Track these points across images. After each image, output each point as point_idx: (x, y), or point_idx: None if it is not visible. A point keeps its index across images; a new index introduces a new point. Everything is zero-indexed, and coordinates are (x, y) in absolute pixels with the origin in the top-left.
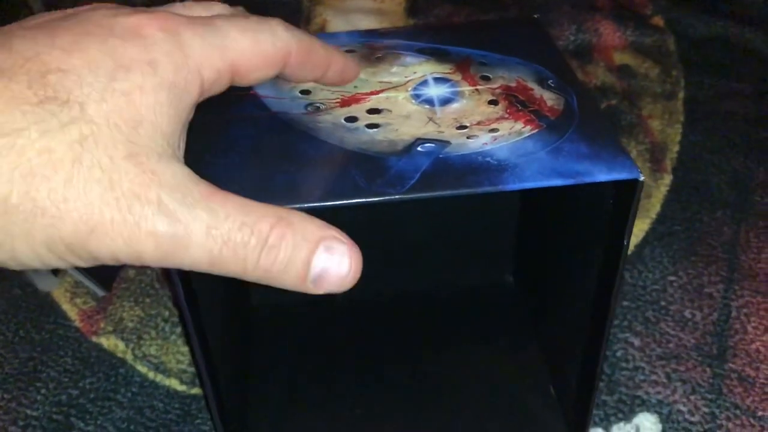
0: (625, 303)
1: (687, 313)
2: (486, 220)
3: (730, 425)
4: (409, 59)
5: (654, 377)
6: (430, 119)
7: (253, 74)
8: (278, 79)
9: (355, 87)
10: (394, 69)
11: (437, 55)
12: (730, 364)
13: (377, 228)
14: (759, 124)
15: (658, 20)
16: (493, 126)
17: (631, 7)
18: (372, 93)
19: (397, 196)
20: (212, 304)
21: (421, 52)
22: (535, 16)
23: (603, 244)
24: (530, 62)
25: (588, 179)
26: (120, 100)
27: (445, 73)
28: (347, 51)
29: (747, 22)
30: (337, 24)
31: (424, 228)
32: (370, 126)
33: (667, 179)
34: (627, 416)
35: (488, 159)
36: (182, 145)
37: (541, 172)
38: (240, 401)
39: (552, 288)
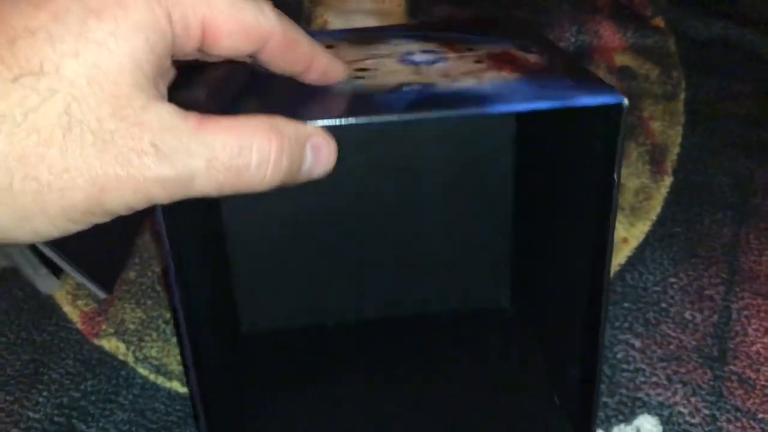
0: (626, 305)
1: (687, 315)
2: (478, 238)
3: (731, 427)
4: (398, 41)
5: (655, 379)
6: (416, 73)
7: (225, 41)
8: None
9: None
10: (383, 47)
11: (426, 38)
12: (731, 366)
13: (370, 248)
14: (760, 126)
15: (659, 21)
16: (479, 75)
17: (632, 8)
18: (360, 60)
19: (390, 116)
20: (204, 327)
21: (410, 37)
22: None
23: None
24: (515, 40)
25: (573, 103)
26: (95, 51)
27: (432, 48)
28: (340, 39)
29: (747, 24)
30: (337, 25)
31: (416, 248)
32: (358, 78)
33: (668, 181)
34: (628, 418)
35: (475, 92)
36: (164, 90)
37: (526, 98)
38: (230, 417)
39: (549, 294)
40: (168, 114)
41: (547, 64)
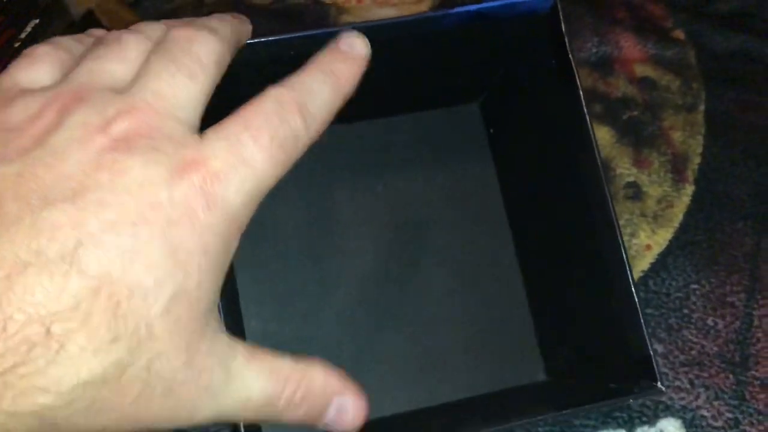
0: (649, 310)
1: (710, 321)
2: (498, 318)
3: (754, 430)
4: None
5: (677, 383)
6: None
7: None
8: None
9: None
10: None
11: None
12: (753, 372)
13: (386, 344)
14: None
15: (679, 33)
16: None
17: (652, 20)
18: None
19: None
20: None
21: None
22: None
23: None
24: None
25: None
26: (176, 301)
27: None
28: None
29: (766, 37)
30: None
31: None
32: None
33: (689, 190)
34: (651, 420)
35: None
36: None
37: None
38: None
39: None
40: (223, 351)
41: None
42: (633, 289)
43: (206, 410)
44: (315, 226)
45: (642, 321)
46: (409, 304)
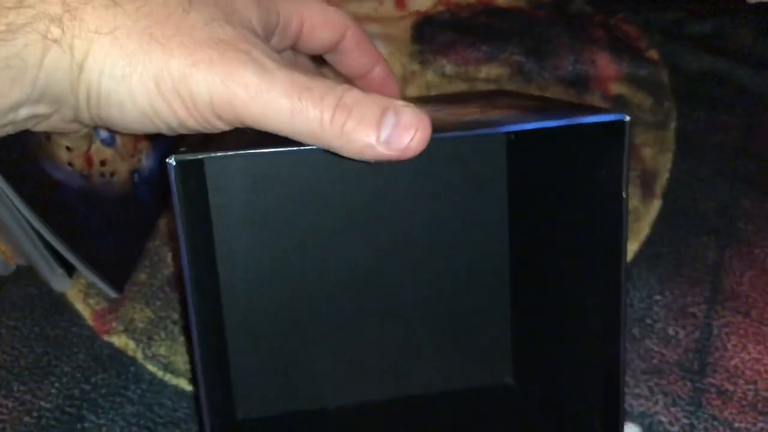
0: None
1: (671, 331)
2: (477, 312)
3: None
4: None
5: (637, 390)
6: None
7: (318, 32)
8: None
9: None
10: None
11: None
12: (710, 379)
13: (368, 328)
14: (746, 156)
15: (653, 54)
16: (485, 112)
17: (628, 40)
18: None
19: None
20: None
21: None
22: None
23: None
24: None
25: (580, 120)
26: None
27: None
28: None
29: (738, 59)
30: None
31: (416, 326)
32: None
33: (657, 204)
34: None
35: (484, 120)
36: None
37: (530, 122)
38: None
39: (556, 364)
40: (263, 51)
41: (546, 104)
42: (621, 313)
43: (246, 74)
44: (303, 215)
45: (621, 348)
46: (391, 295)
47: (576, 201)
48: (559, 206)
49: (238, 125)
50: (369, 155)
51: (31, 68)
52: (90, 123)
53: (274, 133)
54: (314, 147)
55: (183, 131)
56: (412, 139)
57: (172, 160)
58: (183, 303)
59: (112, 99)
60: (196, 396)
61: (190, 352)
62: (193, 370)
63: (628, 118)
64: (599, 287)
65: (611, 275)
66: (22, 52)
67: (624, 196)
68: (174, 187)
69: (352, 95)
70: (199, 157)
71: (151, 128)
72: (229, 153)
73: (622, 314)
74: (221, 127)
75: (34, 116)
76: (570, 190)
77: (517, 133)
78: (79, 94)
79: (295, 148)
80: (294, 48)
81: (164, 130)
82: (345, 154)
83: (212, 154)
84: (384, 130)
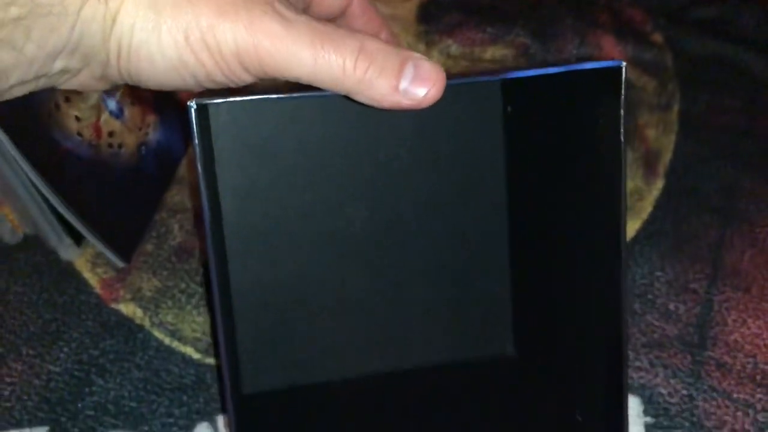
0: None
1: (672, 306)
2: (477, 283)
3: (707, 405)
4: None
5: (638, 363)
6: None
7: None
8: None
9: None
10: None
11: None
12: (710, 353)
13: (370, 300)
14: (748, 138)
15: (657, 37)
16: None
17: (633, 24)
18: None
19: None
20: None
21: None
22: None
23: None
24: None
25: (578, 67)
26: None
27: None
28: None
29: (741, 43)
30: None
31: (414, 299)
32: None
33: (660, 183)
34: None
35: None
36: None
37: (530, 69)
38: None
39: (557, 334)
40: (284, 5)
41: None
42: (622, 286)
43: (272, 24)
44: (309, 187)
45: (624, 319)
46: (392, 268)
47: (575, 155)
48: (558, 164)
49: (262, 76)
50: (387, 103)
51: (71, 16)
52: (118, 79)
53: (295, 81)
54: (327, 93)
55: (210, 85)
56: (429, 91)
57: (192, 103)
58: (205, 265)
59: (142, 52)
60: (217, 366)
61: (203, 321)
62: (213, 333)
63: (624, 63)
64: (600, 246)
65: (612, 228)
66: (64, 0)
67: (622, 140)
68: (194, 130)
69: (374, 44)
70: (217, 101)
71: (179, 82)
72: (247, 98)
73: (623, 269)
74: (246, 78)
75: (66, 70)
76: (569, 145)
77: (515, 88)
78: (110, 47)
79: (308, 93)
80: (306, 13)
81: (192, 85)
82: (363, 100)
83: (229, 99)
84: (404, 80)
